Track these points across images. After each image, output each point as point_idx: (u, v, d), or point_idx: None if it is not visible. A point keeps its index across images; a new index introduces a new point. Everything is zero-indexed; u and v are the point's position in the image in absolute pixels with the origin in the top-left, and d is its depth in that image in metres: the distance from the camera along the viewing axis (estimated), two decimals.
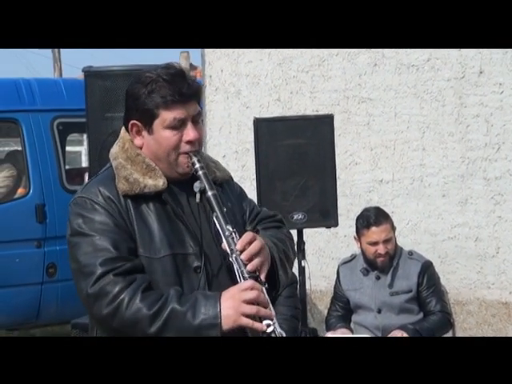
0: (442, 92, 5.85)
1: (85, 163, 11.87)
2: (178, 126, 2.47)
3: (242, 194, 2.68)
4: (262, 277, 2.42)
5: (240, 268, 2.41)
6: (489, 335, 5.69)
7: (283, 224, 2.70)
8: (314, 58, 6.32)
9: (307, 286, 5.22)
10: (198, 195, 2.47)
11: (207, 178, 2.48)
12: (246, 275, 2.41)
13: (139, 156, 2.51)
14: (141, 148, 2.53)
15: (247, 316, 2.38)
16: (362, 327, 5.06)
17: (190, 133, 2.48)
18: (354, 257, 5.21)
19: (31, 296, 6.92)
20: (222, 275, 2.52)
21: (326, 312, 5.42)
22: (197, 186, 2.47)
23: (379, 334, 4.93)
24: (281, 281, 2.52)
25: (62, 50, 18.53)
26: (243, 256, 2.41)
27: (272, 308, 2.40)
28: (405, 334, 4.76)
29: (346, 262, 5.24)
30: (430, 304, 5.01)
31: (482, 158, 5.74)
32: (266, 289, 2.42)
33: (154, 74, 2.50)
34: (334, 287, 5.26)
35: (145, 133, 2.52)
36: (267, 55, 6.50)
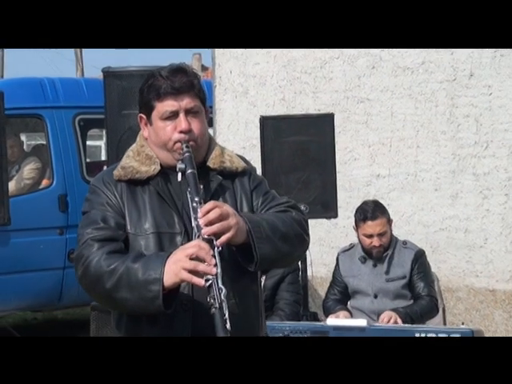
0: (435, 93, 5.83)
1: (104, 157, 11.85)
2: (172, 117, 2.54)
3: (258, 186, 2.64)
4: (219, 242, 2.39)
5: (197, 232, 2.42)
6: (476, 320, 5.69)
7: (294, 208, 2.62)
8: (316, 61, 6.31)
9: (309, 273, 5.20)
10: (179, 174, 2.52)
11: (190, 160, 2.52)
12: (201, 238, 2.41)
13: (143, 147, 2.60)
14: (147, 139, 2.62)
15: (189, 272, 2.35)
16: (359, 311, 4.99)
17: (181, 124, 2.54)
18: (352, 246, 5.16)
19: (54, 280, 6.84)
20: None
21: None
22: (179, 166, 2.52)
23: (375, 318, 4.85)
24: (260, 253, 2.45)
25: (84, 52, 18.47)
26: (201, 221, 2.41)
27: (219, 266, 2.35)
28: (394, 315, 4.70)
29: (345, 251, 5.18)
30: (418, 288, 4.94)
31: (471, 155, 5.73)
32: (219, 252, 2.38)
33: (156, 72, 2.57)
34: (333, 273, 5.19)
35: (148, 124, 2.60)
36: (273, 58, 6.49)
